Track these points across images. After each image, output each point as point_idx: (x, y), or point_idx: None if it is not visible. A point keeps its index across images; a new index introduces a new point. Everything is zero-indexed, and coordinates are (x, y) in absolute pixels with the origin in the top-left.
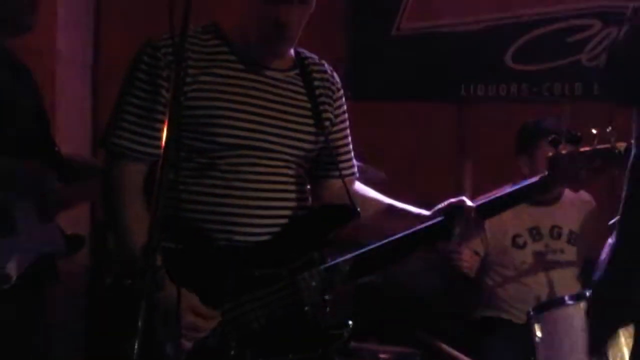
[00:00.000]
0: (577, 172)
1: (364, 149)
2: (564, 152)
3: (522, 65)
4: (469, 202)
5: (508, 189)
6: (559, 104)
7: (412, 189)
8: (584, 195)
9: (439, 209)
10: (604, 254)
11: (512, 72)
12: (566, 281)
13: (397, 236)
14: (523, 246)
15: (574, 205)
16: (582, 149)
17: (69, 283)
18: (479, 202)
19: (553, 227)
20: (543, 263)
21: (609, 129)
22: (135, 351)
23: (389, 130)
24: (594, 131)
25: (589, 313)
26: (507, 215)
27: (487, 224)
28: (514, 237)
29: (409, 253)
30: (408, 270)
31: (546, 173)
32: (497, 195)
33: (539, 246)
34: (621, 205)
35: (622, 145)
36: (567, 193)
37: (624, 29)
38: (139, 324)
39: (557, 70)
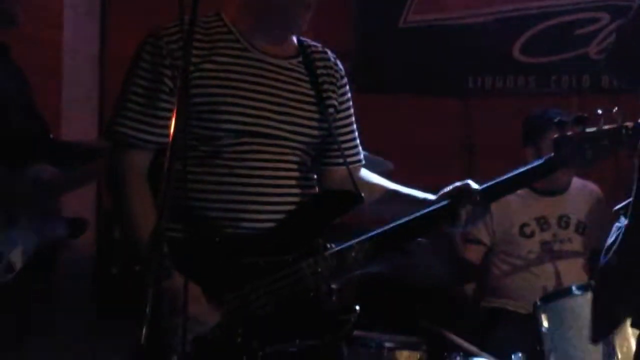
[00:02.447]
0: (583, 153)
1: (370, 142)
2: (569, 133)
3: (530, 58)
4: (474, 185)
5: (514, 172)
6: (566, 97)
7: (418, 182)
8: (591, 185)
9: (445, 193)
10: (611, 237)
11: (519, 65)
12: (573, 271)
13: (401, 221)
14: (531, 235)
15: (581, 195)
16: (588, 130)
17: (74, 272)
18: (485, 185)
19: (561, 217)
20: (550, 253)
21: (615, 109)
22: (143, 339)
23: (396, 124)
24: (599, 112)
25: (594, 299)
26: (515, 204)
27: (495, 213)
28: (522, 227)
29: (414, 237)
30: (414, 260)
31: (552, 154)
32: (503, 178)
33: (546, 235)
34: (634, 187)
35: (629, 125)
36: (575, 183)
37: (631, 12)
38: (147, 311)
39: (565, 63)
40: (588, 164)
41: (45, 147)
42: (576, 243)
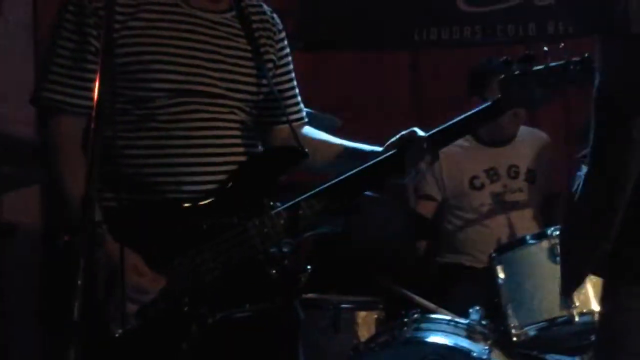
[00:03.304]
0: (531, 92)
1: (318, 100)
2: (516, 72)
3: (475, 8)
4: (420, 133)
5: (461, 116)
6: (513, 45)
7: (367, 137)
8: (538, 132)
9: (391, 143)
10: (574, 186)
11: (464, 15)
12: (526, 221)
13: (348, 174)
14: (481, 188)
15: (528, 142)
16: (535, 68)
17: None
18: (431, 132)
19: (510, 167)
20: (502, 204)
21: (561, 45)
22: (75, 313)
23: (343, 80)
24: (546, 49)
25: (561, 251)
26: (463, 157)
27: (444, 167)
28: (472, 179)
29: (362, 191)
30: (366, 217)
31: (499, 96)
32: (450, 123)
33: (497, 187)
34: (592, 135)
35: (576, 59)
36: (522, 131)
37: None
38: (78, 283)
39: (510, 11)
40: (537, 104)
41: None
42: (528, 192)
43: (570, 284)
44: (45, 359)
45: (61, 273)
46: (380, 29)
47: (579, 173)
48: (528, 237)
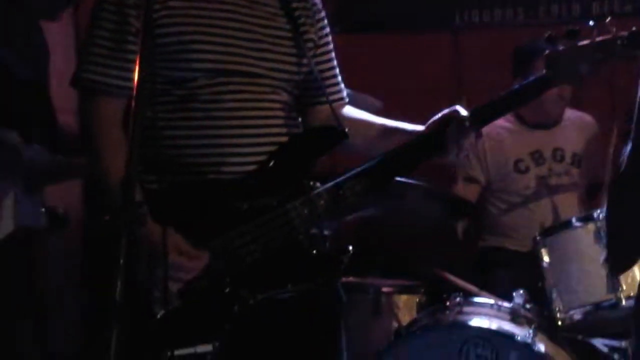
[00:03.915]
0: (576, 67)
1: (357, 83)
2: (561, 48)
3: None
4: (462, 111)
5: (504, 93)
6: (556, 27)
7: (408, 120)
8: (585, 116)
9: (433, 121)
10: (622, 165)
11: None
12: (571, 205)
13: (389, 154)
14: (525, 171)
15: (575, 126)
16: (581, 43)
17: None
18: (474, 108)
19: (555, 150)
20: (547, 187)
21: (608, 19)
22: (117, 292)
23: (383, 63)
24: (591, 23)
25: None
26: (508, 140)
27: (488, 150)
28: (516, 162)
29: (404, 170)
30: (408, 202)
31: (544, 72)
32: (493, 100)
33: (542, 170)
34: (636, 108)
35: (624, 34)
36: (568, 114)
37: None
38: (121, 262)
39: None
40: (582, 80)
41: (48, 131)
42: (573, 176)
43: (619, 263)
44: (88, 340)
45: (103, 256)
46: (420, 11)
47: (624, 149)
48: (574, 220)
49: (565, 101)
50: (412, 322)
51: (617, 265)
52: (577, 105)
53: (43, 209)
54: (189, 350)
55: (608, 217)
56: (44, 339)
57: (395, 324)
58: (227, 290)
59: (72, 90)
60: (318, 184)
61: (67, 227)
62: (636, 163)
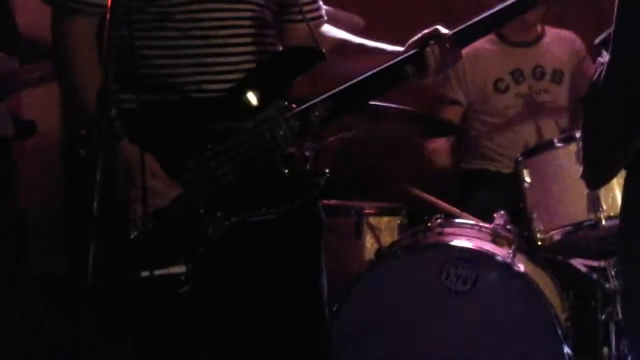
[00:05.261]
0: None
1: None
2: None
3: None
4: (443, 30)
5: (487, 12)
6: None
7: (391, 38)
8: (567, 33)
9: (413, 41)
10: (595, 74)
11: None
12: (554, 125)
13: (367, 74)
14: (505, 90)
15: (556, 42)
16: None
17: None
18: (456, 29)
19: (535, 67)
20: (528, 106)
21: None
22: (95, 207)
23: None
24: None
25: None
26: (487, 60)
27: (467, 70)
28: (496, 82)
29: (381, 91)
30: (388, 124)
31: None
32: (475, 19)
33: (522, 88)
34: (615, 16)
35: None
36: (550, 32)
37: None
38: (98, 179)
39: None
40: None
41: (6, 34)
42: (554, 93)
43: (596, 178)
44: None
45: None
46: None
47: (599, 59)
48: (556, 140)
49: (540, 14)
50: (393, 243)
51: (594, 179)
52: (561, 24)
53: (9, 117)
54: (163, 271)
55: (582, 130)
56: (26, 258)
57: (376, 246)
58: (201, 211)
59: None
60: (294, 105)
61: (34, 133)
62: (612, 75)
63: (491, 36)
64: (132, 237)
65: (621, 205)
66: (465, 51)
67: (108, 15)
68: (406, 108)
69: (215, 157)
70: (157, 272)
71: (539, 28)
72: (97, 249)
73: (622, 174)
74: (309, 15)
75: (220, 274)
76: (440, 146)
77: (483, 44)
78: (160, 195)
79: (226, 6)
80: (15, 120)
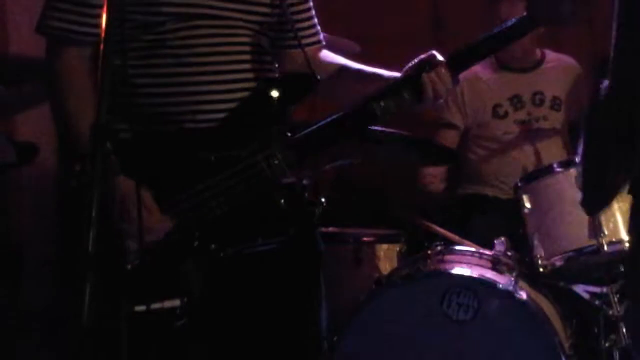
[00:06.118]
0: (559, 6)
1: (334, 28)
2: None
3: None
4: (439, 56)
5: (484, 35)
6: None
7: (387, 66)
8: (566, 58)
9: (410, 67)
10: (594, 99)
11: None
12: (553, 151)
13: (361, 100)
14: (504, 116)
15: (556, 69)
16: None
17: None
18: (451, 53)
19: (535, 94)
20: (527, 132)
21: None
22: (90, 243)
23: (362, 9)
24: None
25: (584, 167)
26: (487, 85)
27: (466, 94)
28: (494, 107)
29: (380, 117)
30: (386, 150)
31: (524, 14)
32: (470, 43)
33: (521, 115)
34: (613, 46)
35: None
36: (549, 57)
37: None
38: (93, 213)
39: None
40: (565, 20)
41: None
42: (553, 120)
43: (595, 203)
44: (61, 291)
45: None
46: None
47: (601, 86)
48: (555, 165)
49: (535, 40)
50: (393, 272)
51: (592, 205)
52: (557, 46)
53: (10, 145)
54: (158, 305)
55: (581, 156)
56: (16, 294)
57: (376, 274)
58: (195, 244)
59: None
60: (289, 134)
61: (37, 156)
62: (610, 101)
63: (491, 61)
64: (127, 271)
65: (629, 230)
66: (464, 75)
67: (102, 45)
68: (405, 134)
69: (209, 187)
70: (153, 306)
71: (538, 53)
72: (93, 288)
73: (623, 198)
74: (306, 41)
75: (216, 307)
76: (433, 170)
77: (482, 68)
78: (153, 231)
79: (220, 31)
80: (14, 145)
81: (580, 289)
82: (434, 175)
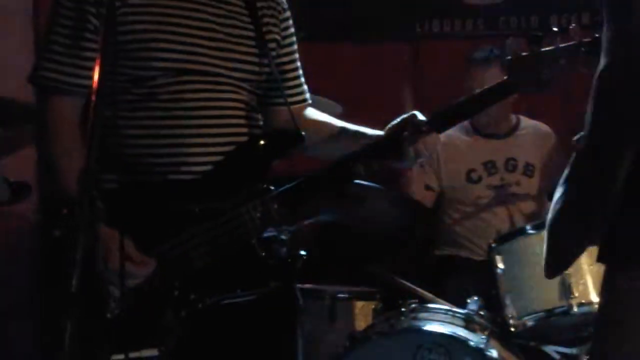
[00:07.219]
0: (539, 74)
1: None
2: (524, 54)
3: (477, 0)
4: (420, 116)
5: (464, 98)
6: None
7: (368, 126)
8: (541, 126)
9: (392, 126)
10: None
11: (467, 7)
12: (525, 215)
13: (344, 156)
14: (478, 181)
15: (530, 136)
16: (544, 49)
17: (16, 237)
18: (432, 114)
19: (508, 160)
20: (500, 197)
21: (572, 26)
22: (74, 285)
23: (344, 71)
24: (555, 29)
25: (548, 232)
26: (460, 148)
27: (442, 159)
28: (469, 172)
29: (359, 175)
30: (367, 206)
31: (505, 78)
32: (450, 105)
33: (494, 180)
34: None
35: (588, 41)
36: (525, 123)
37: None
38: (77, 257)
39: (513, 4)
40: (544, 86)
41: None
42: (525, 186)
43: (556, 265)
44: (43, 328)
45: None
46: (381, 22)
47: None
48: (528, 227)
49: (508, 108)
50: (367, 328)
51: (551, 268)
52: (530, 113)
53: (4, 182)
54: (135, 354)
55: (548, 223)
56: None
57: (350, 330)
58: (175, 293)
59: None
60: (272, 188)
61: (30, 193)
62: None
63: (466, 126)
64: (107, 319)
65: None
66: (441, 139)
67: (93, 97)
68: (387, 190)
69: (192, 238)
70: (131, 355)
71: (513, 119)
72: (74, 330)
73: (593, 260)
74: (292, 99)
75: (194, 357)
76: (414, 175)
77: (458, 133)
78: (132, 275)
79: (209, 87)
80: (8, 183)
81: (551, 350)
82: (416, 181)
